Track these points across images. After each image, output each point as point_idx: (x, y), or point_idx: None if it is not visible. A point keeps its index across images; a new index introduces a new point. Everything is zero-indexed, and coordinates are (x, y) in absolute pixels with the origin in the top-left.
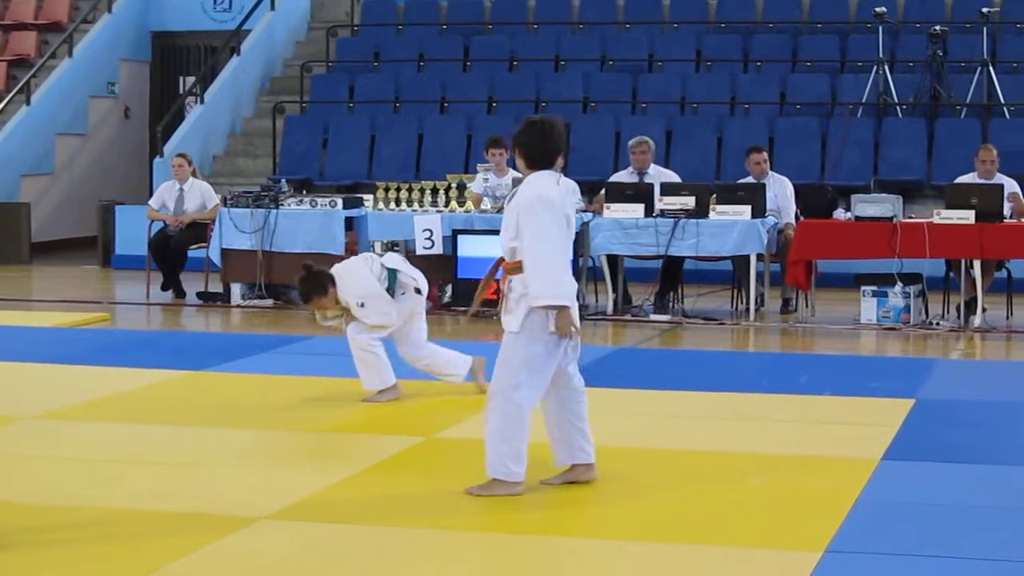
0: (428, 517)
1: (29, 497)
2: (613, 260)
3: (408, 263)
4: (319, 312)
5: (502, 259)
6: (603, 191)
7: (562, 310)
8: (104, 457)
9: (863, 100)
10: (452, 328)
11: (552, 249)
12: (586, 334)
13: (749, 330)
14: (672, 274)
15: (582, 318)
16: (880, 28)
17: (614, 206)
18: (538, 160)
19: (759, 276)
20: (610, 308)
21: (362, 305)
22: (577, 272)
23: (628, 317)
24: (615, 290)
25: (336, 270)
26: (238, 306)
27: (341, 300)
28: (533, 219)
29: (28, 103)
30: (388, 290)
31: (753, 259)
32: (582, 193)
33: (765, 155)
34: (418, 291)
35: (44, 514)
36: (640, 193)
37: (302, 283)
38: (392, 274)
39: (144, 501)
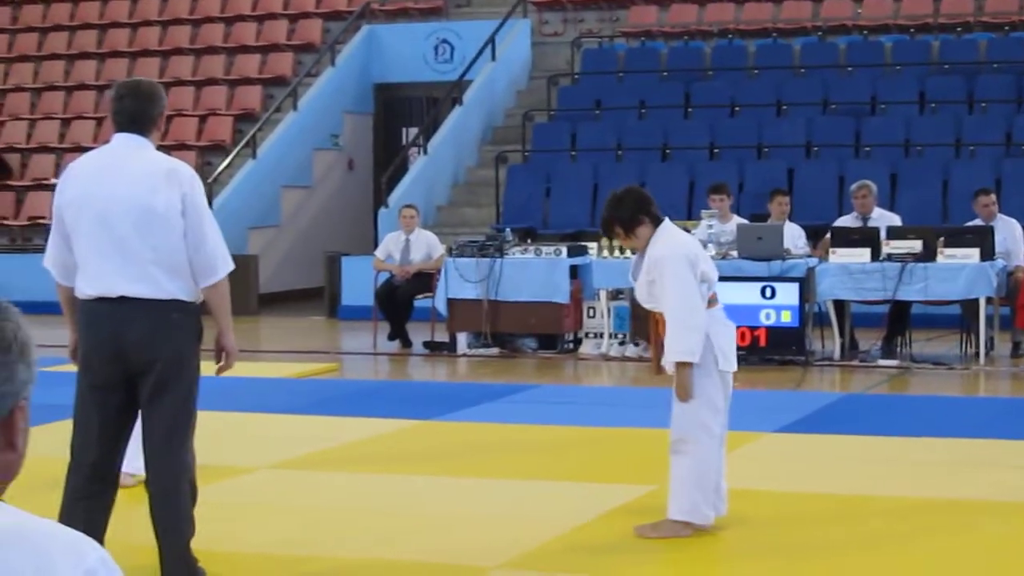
0: (657, 565)
1: (261, 547)
2: (840, 305)
3: None
4: None
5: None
6: (828, 236)
7: (685, 368)
8: (335, 507)
9: None
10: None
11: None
12: (813, 380)
13: (979, 375)
14: (900, 318)
15: (808, 364)
16: None
17: (840, 251)
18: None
19: (988, 320)
20: (837, 353)
21: None
22: (803, 317)
23: (855, 362)
24: (842, 335)
25: None
26: (464, 355)
27: None
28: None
29: (254, 157)
30: None
31: (982, 303)
32: (807, 238)
33: (993, 197)
34: None
35: (276, 564)
36: (866, 237)
37: None
38: None
39: (375, 551)
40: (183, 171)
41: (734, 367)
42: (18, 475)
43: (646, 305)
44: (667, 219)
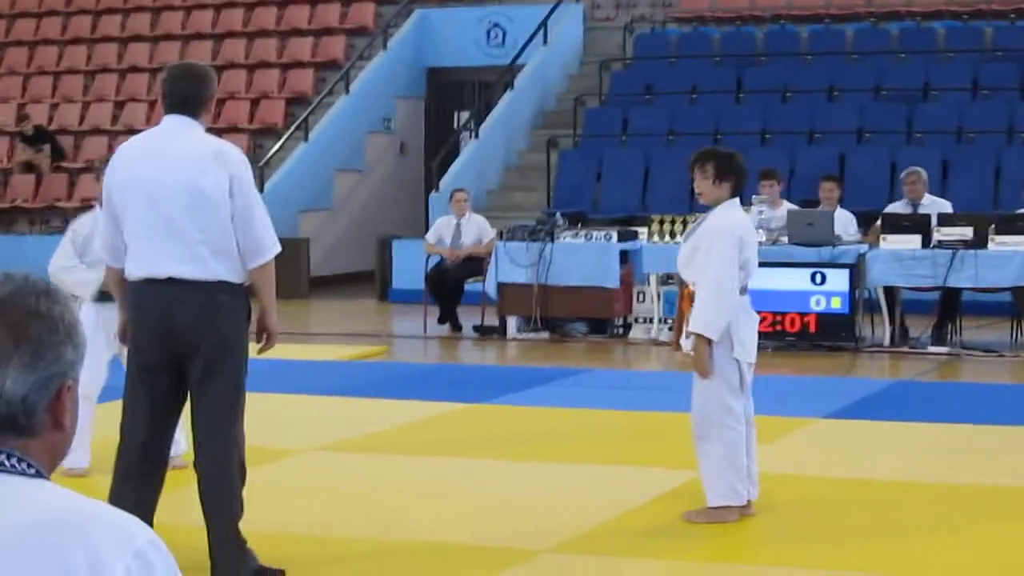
0: (704, 550)
1: (310, 529)
2: (890, 292)
3: None
4: None
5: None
6: (879, 222)
7: (703, 343)
8: (383, 489)
9: None
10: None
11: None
12: (863, 367)
13: None
14: (950, 305)
15: (858, 350)
16: None
17: (890, 237)
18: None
19: None
20: (887, 340)
21: None
22: (854, 304)
23: (905, 349)
24: (892, 322)
25: None
26: (514, 339)
27: None
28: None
29: (306, 140)
30: None
31: None
32: (857, 224)
33: None
34: None
35: (324, 546)
36: (917, 224)
37: None
38: None
39: (423, 533)
40: (232, 153)
41: (752, 358)
42: (65, 456)
43: (681, 271)
44: (737, 199)
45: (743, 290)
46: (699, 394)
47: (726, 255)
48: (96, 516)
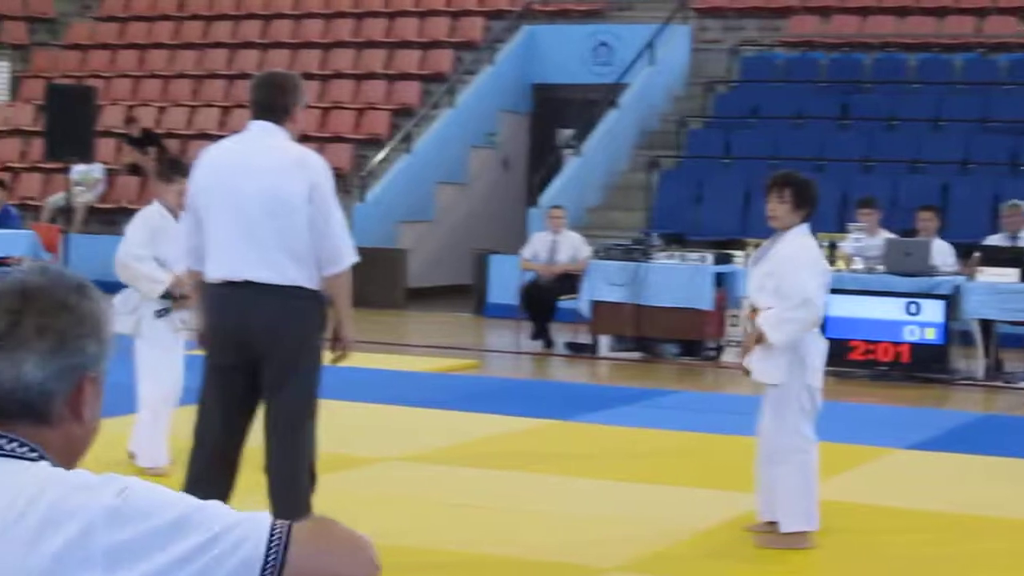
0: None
1: (382, 538)
2: (985, 324)
3: None
4: None
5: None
6: (977, 254)
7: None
8: (460, 501)
9: None
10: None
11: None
12: (955, 399)
13: None
14: None
15: (951, 382)
16: None
17: (988, 270)
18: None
19: None
20: (980, 373)
21: None
22: (948, 335)
23: (999, 383)
24: (987, 355)
25: None
26: (605, 358)
27: None
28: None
29: (409, 152)
30: None
31: None
32: (957, 255)
33: None
34: None
35: (394, 555)
36: (1015, 257)
37: None
38: None
39: (494, 546)
40: (313, 160)
41: (819, 383)
42: (87, 449)
43: (753, 296)
44: (807, 226)
45: None
46: (774, 421)
47: (815, 275)
48: (81, 473)
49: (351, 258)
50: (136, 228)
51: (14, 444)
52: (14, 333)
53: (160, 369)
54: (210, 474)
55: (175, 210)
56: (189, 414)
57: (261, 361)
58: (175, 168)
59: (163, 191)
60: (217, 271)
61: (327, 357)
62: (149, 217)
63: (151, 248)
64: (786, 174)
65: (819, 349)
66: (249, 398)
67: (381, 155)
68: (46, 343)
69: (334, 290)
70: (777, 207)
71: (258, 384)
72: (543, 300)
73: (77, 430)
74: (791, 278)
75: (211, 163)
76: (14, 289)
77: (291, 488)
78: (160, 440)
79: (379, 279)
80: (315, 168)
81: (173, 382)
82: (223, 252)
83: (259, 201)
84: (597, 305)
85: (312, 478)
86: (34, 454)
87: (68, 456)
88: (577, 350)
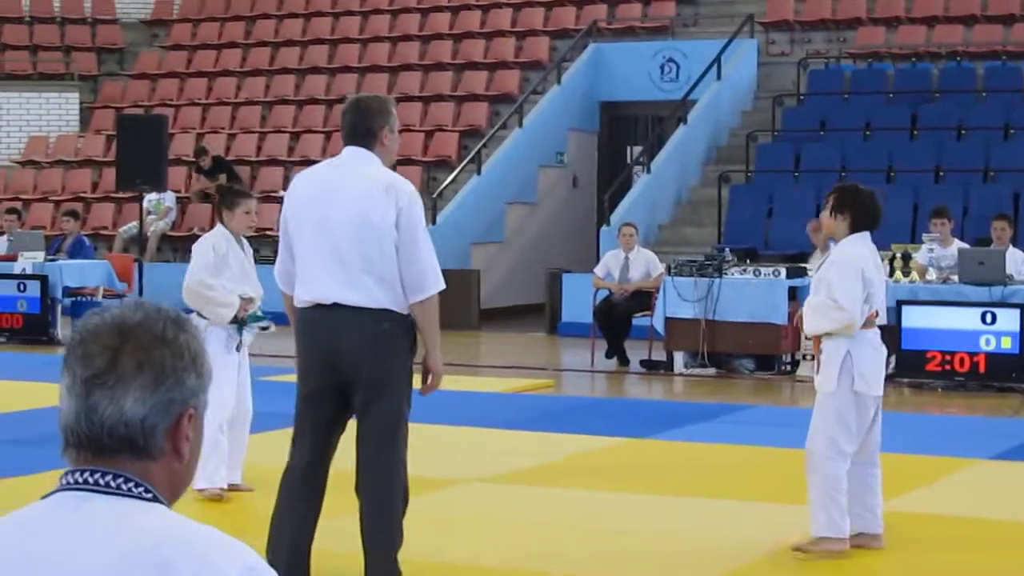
0: None
1: (469, 560)
2: None
3: None
4: None
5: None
6: None
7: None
8: (540, 522)
9: None
10: (895, 399)
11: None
12: None
13: None
14: None
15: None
16: None
17: None
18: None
19: None
20: None
21: None
22: None
23: None
24: None
25: None
26: (681, 374)
27: None
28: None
29: (479, 172)
30: None
31: None
32: None
33: None
34: None
35: None
36: None
37: None
38: None
39: (579, 566)
40: (402, 186)
41: (876, 392)
42: (188, 485)
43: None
44: (867, 233)
45: (871, 322)
46: (812, 425)
47: (848, 279)
48: (204, 534)
49: (437, 285)
50: (201, 254)
51: (120, 480)
52: (114, 369)
53: (222, 391)
54: (300, 494)
55: (237, 235)
56: (265, 440)
57: (351, 384)
58: (236, 193)
59: (226, 217)
60: (306, 293)
61: (417, 385)
62: (214, 243)
63: (216, 273)
64: (837, 184)
65: (875, 358)
66: (338, 420)
67: (451, 177)
68: (146, 377)
69: (419, 317)
70: (823, 215)
71: (348, 407)
72: (617, 318)
73: (176, 466)
74: (834, 284)
75: (302, 189)
76: (111, 325)
77: (383, 510)
78: (216, 462)
79: (452, 300)
80: (404, 193)
81: (233, 405)
82: (312, 275)
83: (347, 228)
84: (671, 322)
85: (404, 501)
86: (149, 494)
87: (171, 492)
88: (652, 367)
